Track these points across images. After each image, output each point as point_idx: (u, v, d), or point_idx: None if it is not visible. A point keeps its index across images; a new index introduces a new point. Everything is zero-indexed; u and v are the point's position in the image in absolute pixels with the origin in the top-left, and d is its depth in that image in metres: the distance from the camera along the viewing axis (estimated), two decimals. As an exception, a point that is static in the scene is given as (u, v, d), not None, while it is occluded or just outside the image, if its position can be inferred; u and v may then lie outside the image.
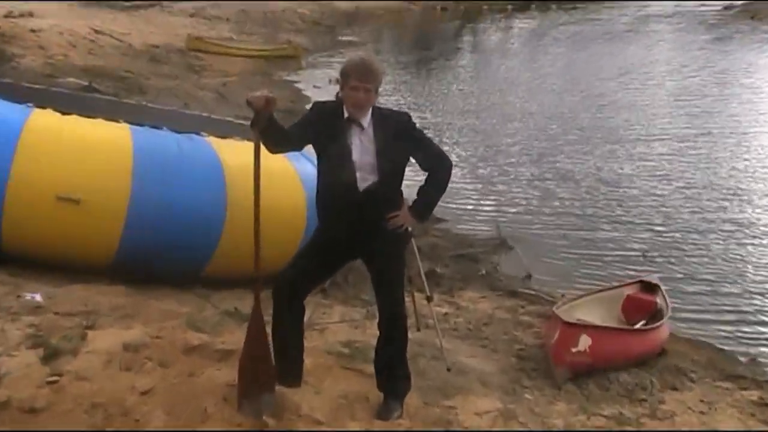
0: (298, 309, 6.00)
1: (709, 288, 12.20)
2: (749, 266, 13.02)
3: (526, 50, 42.76)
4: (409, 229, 6.17)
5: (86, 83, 20.17)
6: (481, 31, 52.51)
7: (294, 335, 6.05)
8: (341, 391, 6.31)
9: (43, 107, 9.25)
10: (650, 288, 10.41)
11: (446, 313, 10.09)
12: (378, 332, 6.15)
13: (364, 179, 5.71)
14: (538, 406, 7.49)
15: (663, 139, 21.58)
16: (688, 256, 13.53)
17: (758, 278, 12.52)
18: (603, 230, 14.81)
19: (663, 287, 10.44)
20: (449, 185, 6.05)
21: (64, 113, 9.20)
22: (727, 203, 16.19)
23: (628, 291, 10.33)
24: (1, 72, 19.73)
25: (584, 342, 8.38)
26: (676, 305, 10.52)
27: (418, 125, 6.00)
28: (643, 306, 10.04)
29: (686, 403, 8.12)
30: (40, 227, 8.45)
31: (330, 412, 5.96)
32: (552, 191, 17.11)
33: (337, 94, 5.86)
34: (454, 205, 15.59)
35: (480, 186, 17.41)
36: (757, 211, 15.67)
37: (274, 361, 5.81)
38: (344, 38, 44.10)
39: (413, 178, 6.12)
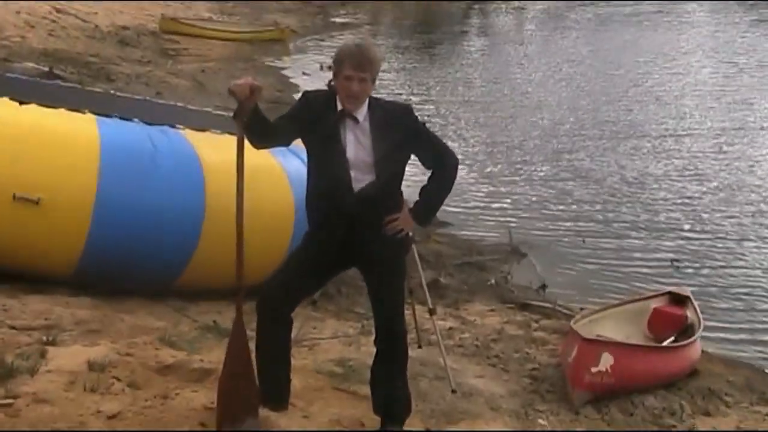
0: (284, 323, 5.98)
1: (745, 301, 12.21)
2: (790, 278, 13.05)
3: (541, 34, 42.83)
4: (410, 234, 6.17)
5: (47, 69, 20.15)
6: (490, 13, 52.61)
7: (280, 352, 6.03)
8: (333, 414, 6.31)
9: (-3, 95, 9.24)
10: (680, 300, 10.40)
11: (451, 328, 10.08)
12: (374, 349, 6.13)
13: (359, 179, 5.69)
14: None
15: (694, 135, 21.63)
16: (721, 265, 13.55)
17: (800, 291, 12.55)
18: (626, 236, 14.82)
19: (694, 300, 10.42)
20: (455, 185, 6.05)
21: (21, 102, 9.17)
22: (765, 206, 16.21)
23: (655, 304, 10.31)
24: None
25: (605, 361, 8.36)
26: (708, 320, 10.51)
27: (420, 119, 6.00)
28: (671, 320, 10.03)
29: (720, 429, 8.12)
30: (-5, 230, 8.44)
31: (320, 439, 5.98)
32: (569, 192, 17.14)
33: (329, 82, 5.84)
34: (461, 208, 15.60)
35: (489, 186, 17.43)
36: (800, 216, 15.71)
37: (257, 381, 5.80)
38: (337, 19, 44.22)
39: (414, 177, 6.13)
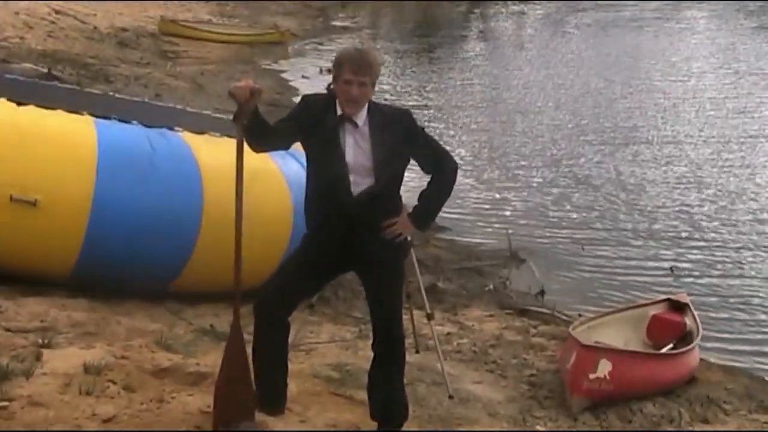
0: (281, 327, 5.96)
1: (743, 309, 12.21)
2: (788, 286, 13.04)
3: (541, 39, 42.87)
4: (409, 238, 6.15)
5: (45, 70, 20.17)
6: (490, 17, 52.65)
7: (277, 356, 6.02)
8: (330, 419, 6.30)
9: (-5, 97, 9.23)
10: (679, 307, 10.39)
11: (449, 334, 10.07)
12: (372, 354, 6.12)
13: (358, 183, 5.68)
14: (551, 438, 7.50)
15: (693, 142, 21.64)
16: (720, 273, 13.55)
17: (799, 300, 12.54)
18: (625, 243, 14.82)
19: (693, 307, 10.41)
20: (454, 190, 6.04)
21: (19, 103, 9.15)
22: (765, 215, 16.20)
23: (654, 310, 10.31)
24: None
25: (604, 367, 8.36)
26: (707, 328, 10.50)
27: (419, 123, 5.99)
28: (670, 327, 10.02)
29: (719, 434, 8.13)
30: (-9, 232, 8.42)
31: (317, 444, 5.97)
32: (568, 198, 17.14)
33: (329, 86, 5.84)
34: (459, 213, 15.60)
35: (488, 191, 17.43)
36: (799, 224, 15.70)
37: (254, 385, 5.79)
38: (337, 23, 44.26)
39: (411, 182, 6.11)
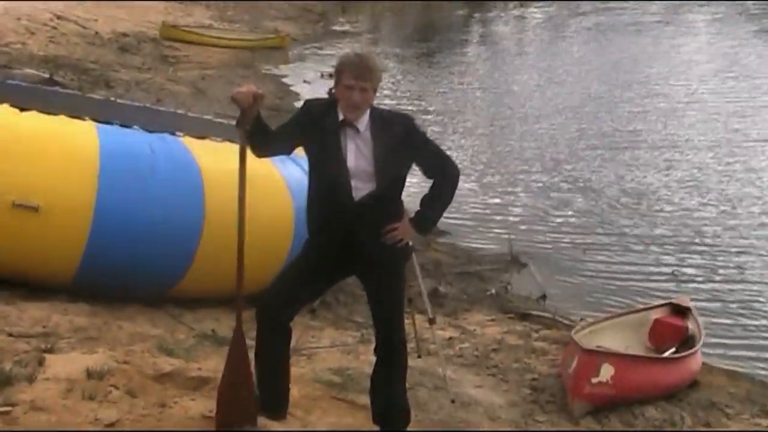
0: (283, 332, 5.98)
1: (745, 314, 12.21)
2: (790, 290, 13.04)
3: (542, 43, 42.88)
4: (410, 243, 6.16)
5: (47, 75, 20.14)
6: (491, 21, 52.63)
7: (279, 361, 6.04)
8: (331, 424, 6.31)
9: (-3, 102, 9.23)
10: (681, 311, 10.39)
11: (450, 338, 10.09)
12: (373, 359, 6.13)
13: (360, 188, 5.69)
14: (552, 443, 7.50)
15: (695, 146, 21.62)
16: (722, 278, 13.54)
17: (801, 303, 12.53)
18: (626, 247, 14.82)
19: (695, 311, 10.41)
20: (455, 195, 6.05)
21: (21, 109, 9.15)
22: (766, 219, 16.19)
23: (656, 314, 10.31)
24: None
25: (606, 371, 8.36)
26: (709, 332, 10.50)
27: (421, 129, 5.99)
28: (672, 331, 10.03)
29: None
30: (-6, 237, 8.42)
31: (318, 448, 5.97)
32: (569, 202, 17.14)
33: (330, 90, 5.84)
34: (460, 217, 15.60)
35: (489, 196, 17.44)
36: (801, 229, 15.69)
37: (256, 389, 5.79)
38: (337, 27, 44.26)
39: (412, 186, 6.11)
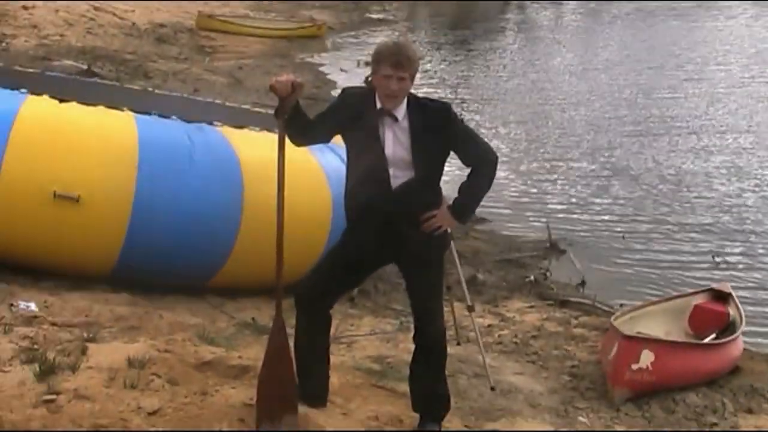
0: (323, 320, 6.01)
1: (787, 298, 12.15)
2: (833, 275, 12.96)
3: (580, 29, 42.70)
4: (449, 231, 6.16)
5: (85, 67, 20.32)
6: (528, 7, 52.43)
7: (319, 349, 6.07)
8: (371, 412, 6.31)
9: (37, 94, 9.28)
10: (722, 297, 10.33)
11: (490, 326, 10.08)
12: (412, 346, 6.14)
13: (398, 176, 5.69)
14: (593, 430, 7.47)
15: (733, 131, 21.48)
16: (762, 264, 13.47)
17: (843, 289, 12.45)
18: (666, 233, 14.76)
19: (736, 297, 10.35)
20: (493, 182, 6.04)
21: (61, 100, 9.21)
22: (807, 203, 16.10)
23: (697, 300, 10.26)
24: (-10, 54, 19.91)
25: (646, 358, 8.34)
26: (750, 318, 10.44)
27: (459, 116, 5.98)
28: (713, 317, 9.97)
29: (763, 428, 8.07)
30: (35, 228, 8.50)
31: (359, 436, 5.98)
32: (607, 189, 17.09)
33: (367, 78, 5.84)
34: (498, 205, 15.57)
35: (527, 183, 17.40)
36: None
37: (296, 378, 5.82)
38: (374, 15, 44.19)
39: (450, 173, 6.12)
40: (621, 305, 11.04)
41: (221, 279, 9.28)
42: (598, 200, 16.45)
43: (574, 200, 16.46)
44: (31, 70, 12.90)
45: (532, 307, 11.17)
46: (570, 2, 52.91)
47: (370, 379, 7.04)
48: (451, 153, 5.85)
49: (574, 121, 22.63)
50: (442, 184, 5.89)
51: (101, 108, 9.27)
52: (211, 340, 7.16)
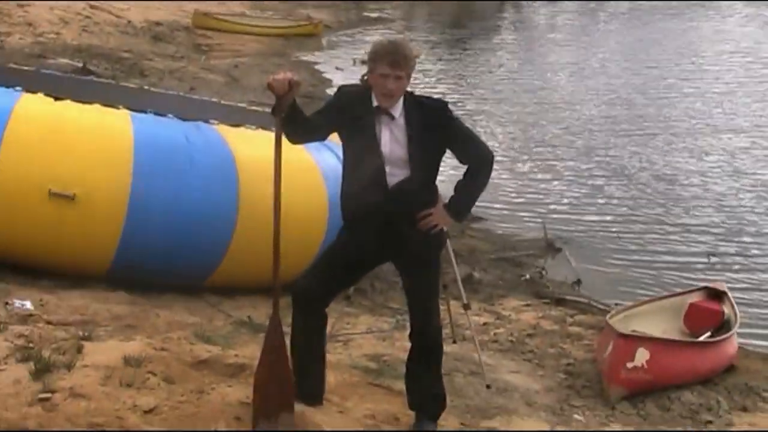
0: (319, 319, 6.01)
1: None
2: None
3: (576, 28, 42.72)
4: (445, 229, 6.16)
5: (80, 65, 20.29)
6: (525, 7, 52.44)
7: (315, 348, 6.07)
8: (368, 410, 6.32)
9: (32, 91, 9.26)
10: (717, 296, 10.34)
11: (485, 324, 10.09)
12: (409, 345, 6.15)
13: (394, 174, 5.69)
14: (589, 428, 7.48)
15: (728, 131, 21.52)
16: (757, 262, 13.48)
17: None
18: (660, 232, 14.79)
19: (731, 295, 10.36)
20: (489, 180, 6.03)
21: (56, 98, 9.20)
22: (801, 203, 16.11)
23: (692, 299, 10.27)
24: (-15, 52, 19.90)
25: (642, 356, 8.34)
26: (745, 316, 10.45)
27: (455, 114, 5.98)
28: (708, 316, 9.98)
29: (758, 426, 8.08)
30: (31, 227, 8.49)
31: (355, 434, 5.98)
32: (603, 188, 17.13)
33: (363, 77, 5.84)
34: (495, 203, 15.58)
35: (522, 182, 17.42)
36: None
37: (293, 376, 5.81)
38: (371, 14, 44.16)
39: (446, 172, 6.12)
40: (616, 304, 11.04)
41: (218, 278, 9.28)
42: (593, 199, 16.47)
43: (570, 199, 16.48)
44: (26, 68, 12.87)
45: (528, 305, 11.18)
46: (566, 1, 52.84)
47: (367, 377, 7.05)
48: (447, 152, 5.85)
49: (570, 121, 22.64)
50: (437, 183, 5.89)
51: (97, 106, 9.26)
52: (208, 339, 7.15)
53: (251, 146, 9.23)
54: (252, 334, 7.79)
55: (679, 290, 11.01)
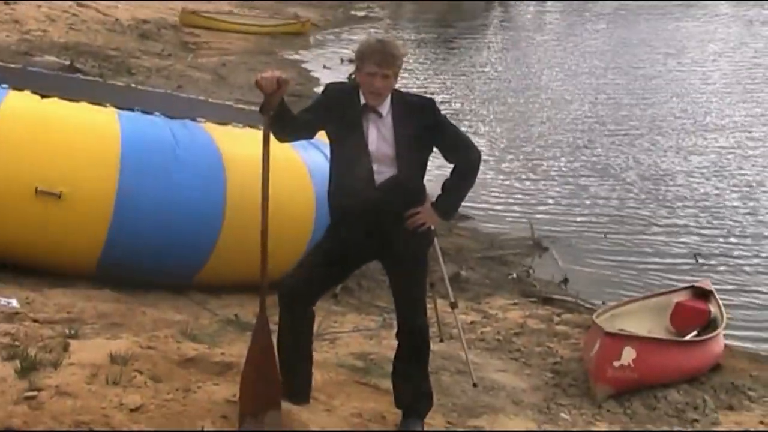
0: (306, 317, 5.99)
1: (765, 298, 12.17)
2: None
3: (563, 27, 42.80)
4: (432, 228, 6.16)
5: (67, 62, 20.24)
6: (512, 6, 52.50)
7: (302, 346, 6.05)
8: (354, 408, 6.31)
9: (19, 89, 9.23)
10: (703, 294, 10.35)
11: (472, 322, 10.08)
12: (395, 343, 6.14)
13: (381, 172, 5.69)
14: (575, 427, 7.48)
15: (714, 131, 21.57)
16: (742, 262, 13.52)
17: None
18: (647, 231, 14.83)
19: (717, 294, 10.37)
20: (476, 179, 6.03)
21: (43, 96, 9.17)
22: (788, 204, 16.17)
23: (678, 298, 10.28)
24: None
25: (628, 355, 8.34)
26: (731, 315, 10.46)
27: (442, 112, 5.98)
28: (694, 315, 9.99)
29: (744, 424, 8.09)
30: (17, 224, 8.45)
31: (342, 433, 5.97)
32: (589, 188, 17.16)
33: (350, 75, 5.83)
34: (482, 202, 15.59)
35: (510, 181, 17.43)
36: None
37: (280, 374, 5.80)
38: (358, 12, 44.18)
39: (433, 170, 6.11)
40: (603, 302, 11.05)
41: (205, 276, 9.26)
42: (580, 199, 16.50)
43: (556, 198, 16.50)
44: (12, 66, 12.82)
45: (515, 304, 11.19)
46: (553, 0, 52.93)
47: (354, 375, 7.04)
48: (434, 150, 5.85)
49: (556, 120, 22.67)
50: (425, 182, 5.89)
51: (84, 104, 9.24)
52: (194, 337, 7.14)
53: (239, 144, 9.21)
54: (239, 332, 7.77)
55: (665, 289, 11.01)
